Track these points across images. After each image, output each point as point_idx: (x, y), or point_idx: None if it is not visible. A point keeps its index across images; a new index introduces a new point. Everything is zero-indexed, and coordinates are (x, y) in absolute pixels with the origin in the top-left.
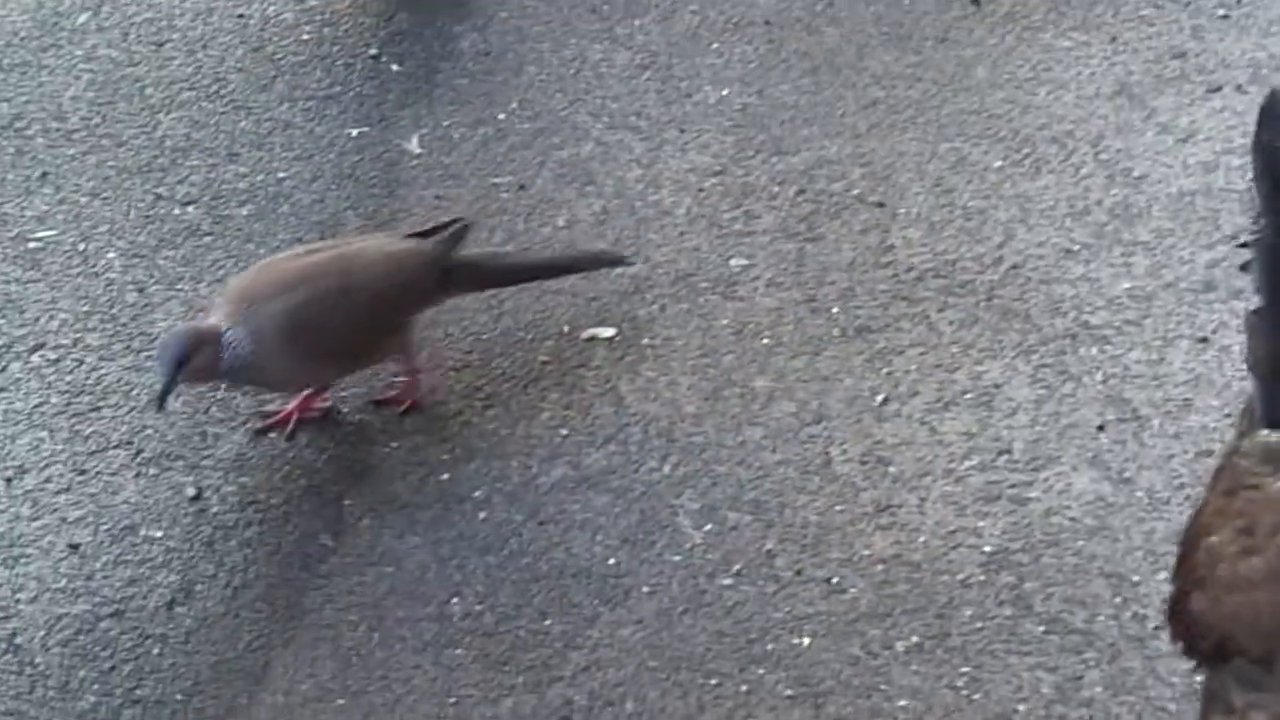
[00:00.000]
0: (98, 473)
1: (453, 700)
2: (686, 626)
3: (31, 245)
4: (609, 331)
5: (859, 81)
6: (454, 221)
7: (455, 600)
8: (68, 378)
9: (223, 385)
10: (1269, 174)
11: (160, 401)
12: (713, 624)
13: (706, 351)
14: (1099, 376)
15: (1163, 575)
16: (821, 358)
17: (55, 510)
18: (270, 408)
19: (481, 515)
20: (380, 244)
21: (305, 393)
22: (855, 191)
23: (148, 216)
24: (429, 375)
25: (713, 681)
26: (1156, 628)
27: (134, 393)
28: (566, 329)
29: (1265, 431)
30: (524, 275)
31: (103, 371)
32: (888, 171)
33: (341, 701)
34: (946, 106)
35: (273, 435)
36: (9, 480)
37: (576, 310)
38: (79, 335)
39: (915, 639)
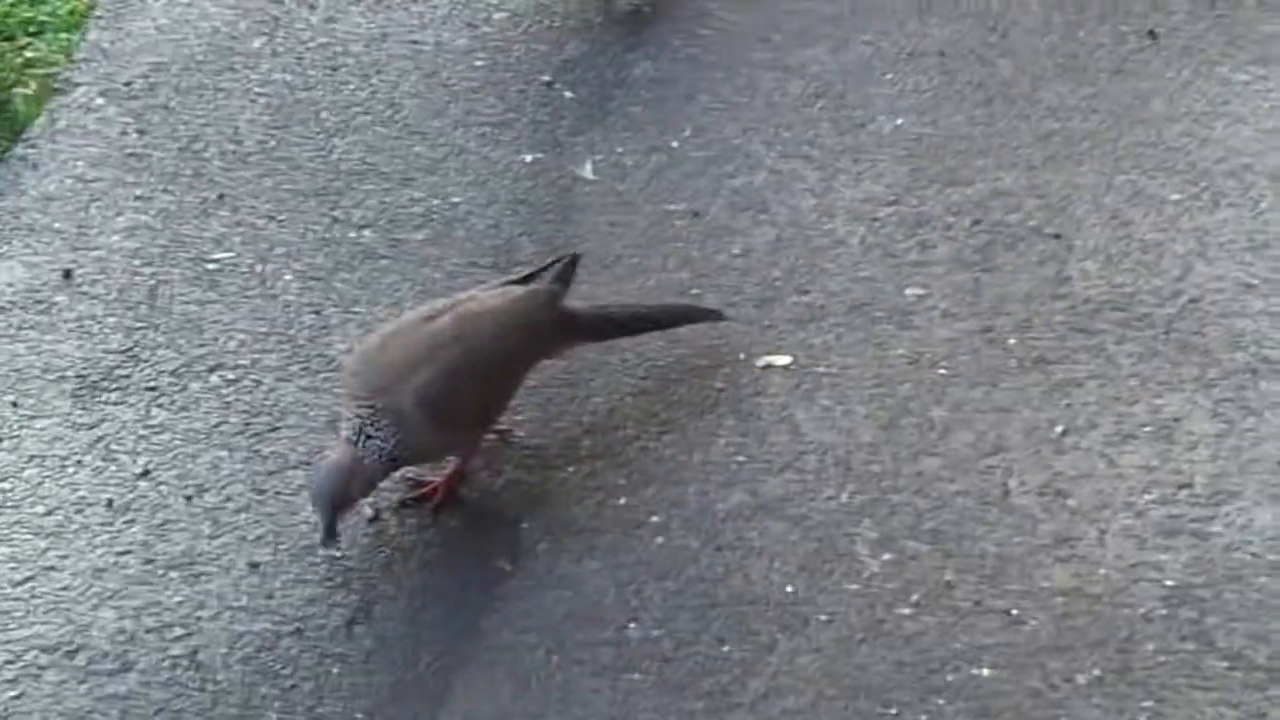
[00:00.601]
0: (277, 492)
1: None
2: (865, 655)
3: (209, 266)
4: (784, 359)
5: (1033, 113)
6: (561, 259)
7: (633, 625)
8: (246, 398)
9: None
10: None
11: (328, 539)
12: (891, 653)
13: (882, 381)
14: None
15: None
16: (999, 389)
17: (235, 529)
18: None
19: (659, 540)
20: (496, 298)
21: (452, 466)
22: (1031, 223)
23: (324, 239)
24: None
25: (892, 711)
26: None
27: (311, 414)
28: (742, 356)
29: None
30: (635, 326)
31: (280, 392)
32: (1064, 203)
33: None
34: (1123, 139)
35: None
36: (189, 498)
37: (752, 338)
38: (257, 356)
39: (1097, 672)
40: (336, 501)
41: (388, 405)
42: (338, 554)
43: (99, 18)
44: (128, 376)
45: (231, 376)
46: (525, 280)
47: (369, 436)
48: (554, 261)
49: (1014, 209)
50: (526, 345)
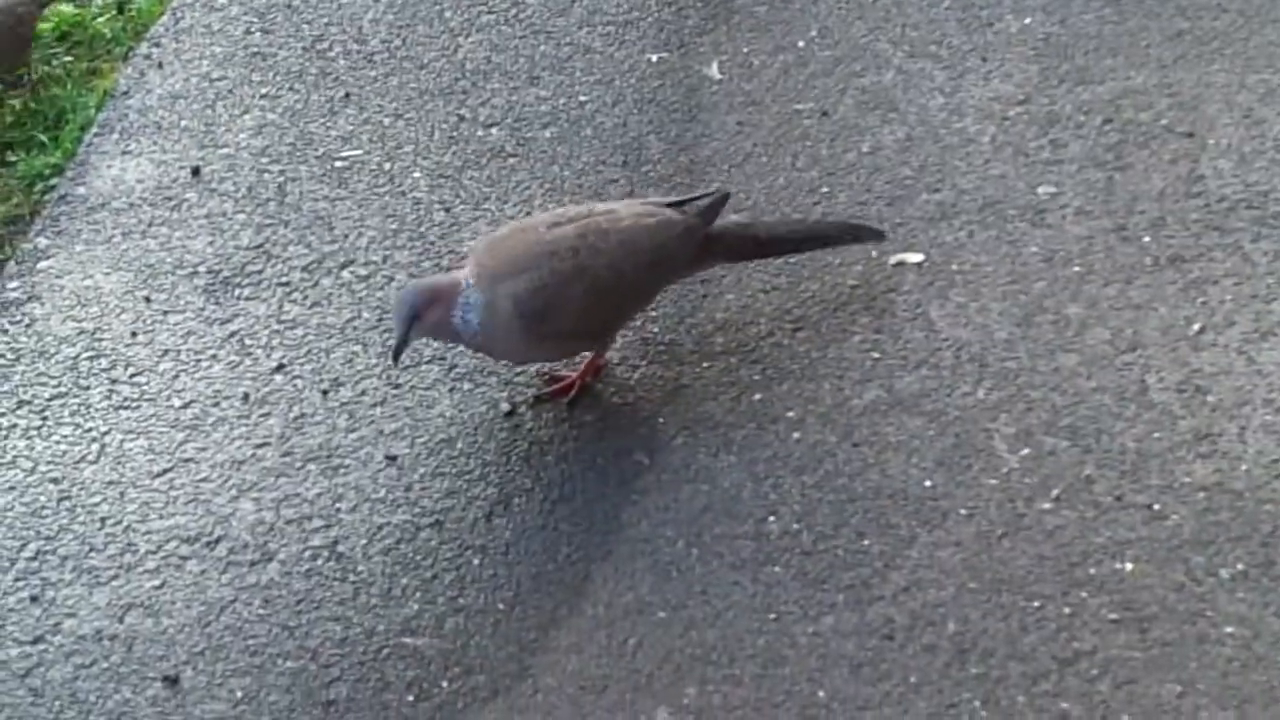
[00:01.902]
0: (412, 387)
1: (773, 616)
2: (1006, 550)
3: (338, 164)
4: (917, 257)
5: (1163, 12)
6: (713, 192)
7: (772, 519)
8: (378, 294)
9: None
10: None
11: (395, 354)
12: (1032, 548)
13: (1016, 278)
14: None
15: None
16: (1134, 286)
17: (372, 422)
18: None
19: (795, 436)
20: (630, 221)
21: (585, 362)
22: (1163, 121)
23: (451, 137)
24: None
25: (1035, 604)
26: None
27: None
28: (874, 254)
29: None
30: (779, 248)
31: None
32: (1195, 102)
33: (662, 614)
34: (1254, 38)
35: (553, 403)
36: (325, 393)
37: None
38: (387, 252)
39: (1240, 566)
40: (412, 315)
41: (487, 297)
42: (395, 370)
43: None
44: (260, 272)
45: (363, 273)
46: (676, 205)
47: (467, 308)
48: (704, 195)
49: (1145, 107)
50: (651, 271)
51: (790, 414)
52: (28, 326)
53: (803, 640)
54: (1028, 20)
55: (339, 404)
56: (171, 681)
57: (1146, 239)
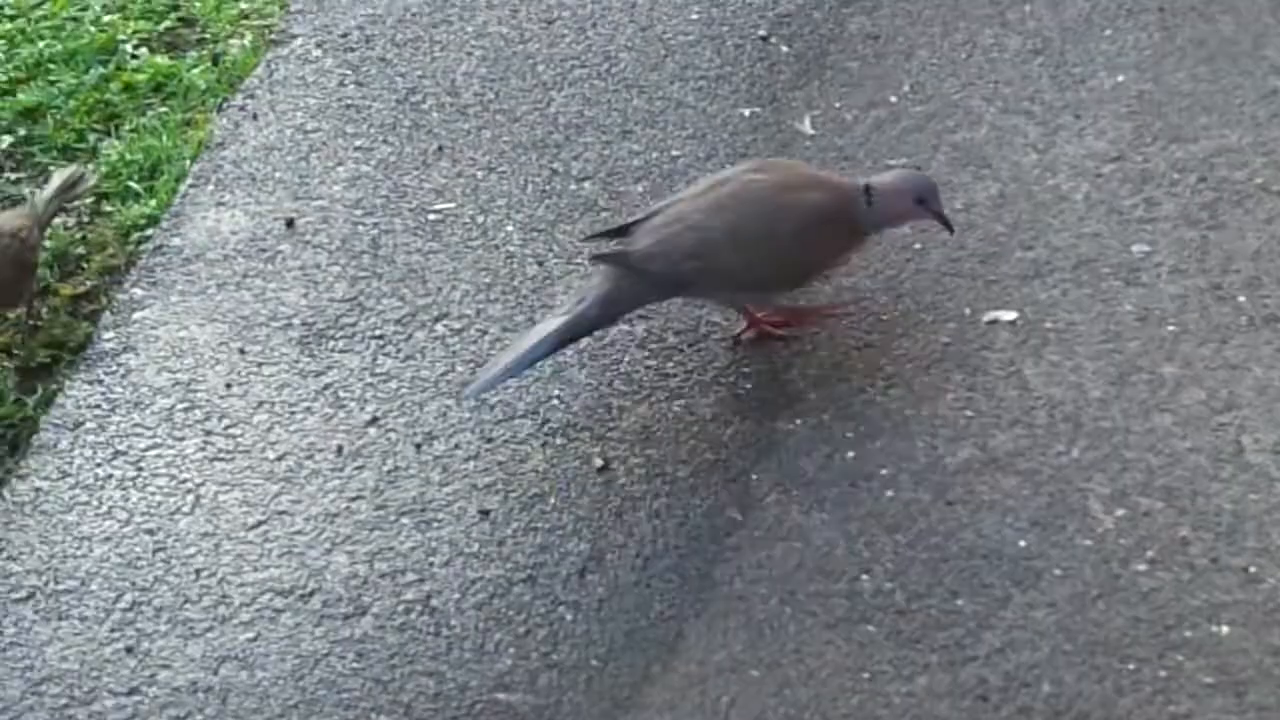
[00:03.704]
0: (505, 441)
1: (866, 676)
2: (1101, 611)
3: (431, 217)
4: (1010, 315)
5: (1256, 70)
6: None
7: (865, 577)
8: (471, 347)
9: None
10: None
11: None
12: (1128, 609)
13: (1110, 337)
14: None
15: None
16: (1229, 346)
17: (465, 476)
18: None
19: (889, 494)
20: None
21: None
22: (1258, 180)
23: (544, 191)
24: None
25: (1130, 667)
26: None
27: (538, 364)
28: (968, 311)
29: None
30: None
31: (506, 342)
32: None
33: (755, 673)
34: None
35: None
36: (418, 446)
37: (976, 293)
38: (481, 306)
39: None
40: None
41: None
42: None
43: None
44: (353, 325)
45: (456, 326)
46: None
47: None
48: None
49: (1240, 166)
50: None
51: (883, 472)
52: (123, 377)
53: (896, 700)
54: (1121, 78)
55: (432, 458)
56: None
57: (1242, 298)
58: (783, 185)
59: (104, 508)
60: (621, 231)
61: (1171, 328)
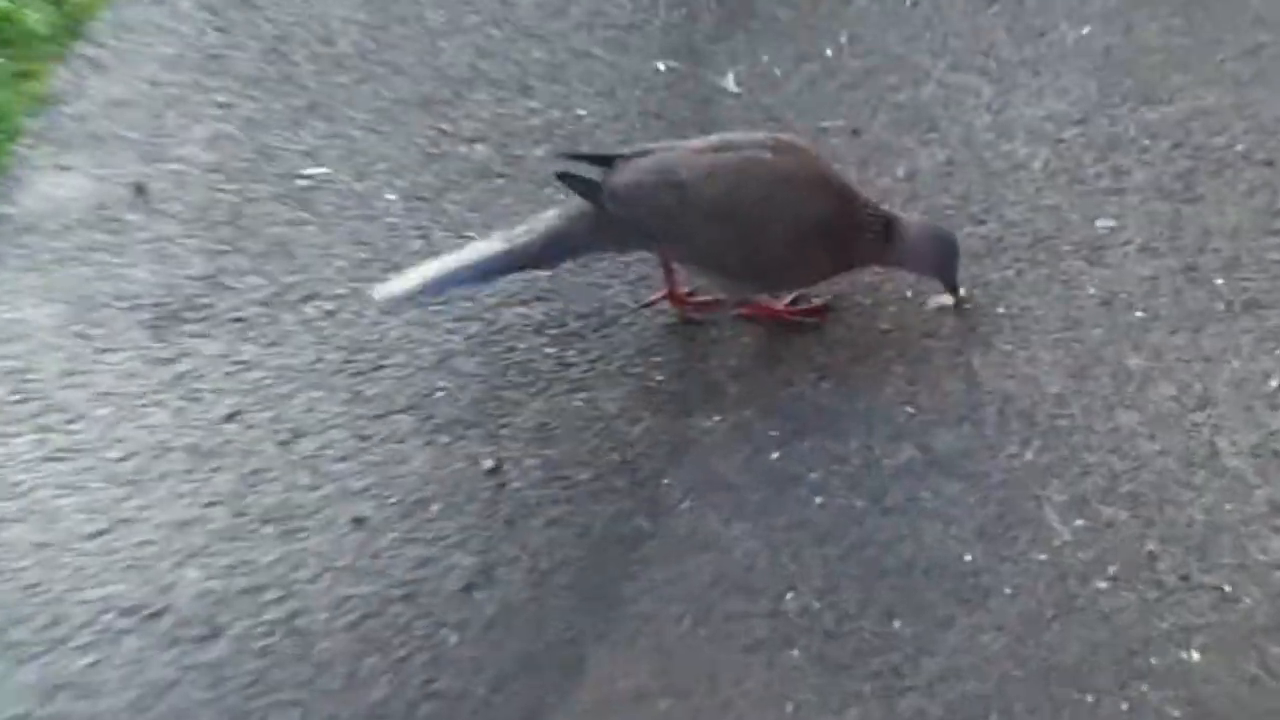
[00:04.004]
0: (383, 439)
1: (791, 707)
2: (1056, 634)
3: (300, 183)
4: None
5: (1239, 22)
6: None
7: (790, 595)
8: (345, 332)
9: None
10: None
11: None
12: (1087, 632)
13: (1070, 324)
14: None
15: None
16: (1204, 335)
17: (336, 479)
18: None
19: (818, 500)
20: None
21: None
22: (1239, 147)
23: (430, 154)
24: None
25: (1089, 698)
26: None
27: (420, 350)
28: (909, 294)
29: None
30: None
31: (385, 326)
32: (1276, 125)
33: (664, 703)
34: None
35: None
36: (284, 444)
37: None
38: (357, 285)
39: None
40: None
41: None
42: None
43: None
44: (211, 306)
45: (329, 307)
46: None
47: None
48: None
49: (1219, 131)
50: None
51: (812, 475)
52: None
53: None
54: (1085, 30)
55: (299, 458)
56: None
57: (1219, 281)
58: (792, 177)
59: None
60: (603, 161)
61: (1140, 314)
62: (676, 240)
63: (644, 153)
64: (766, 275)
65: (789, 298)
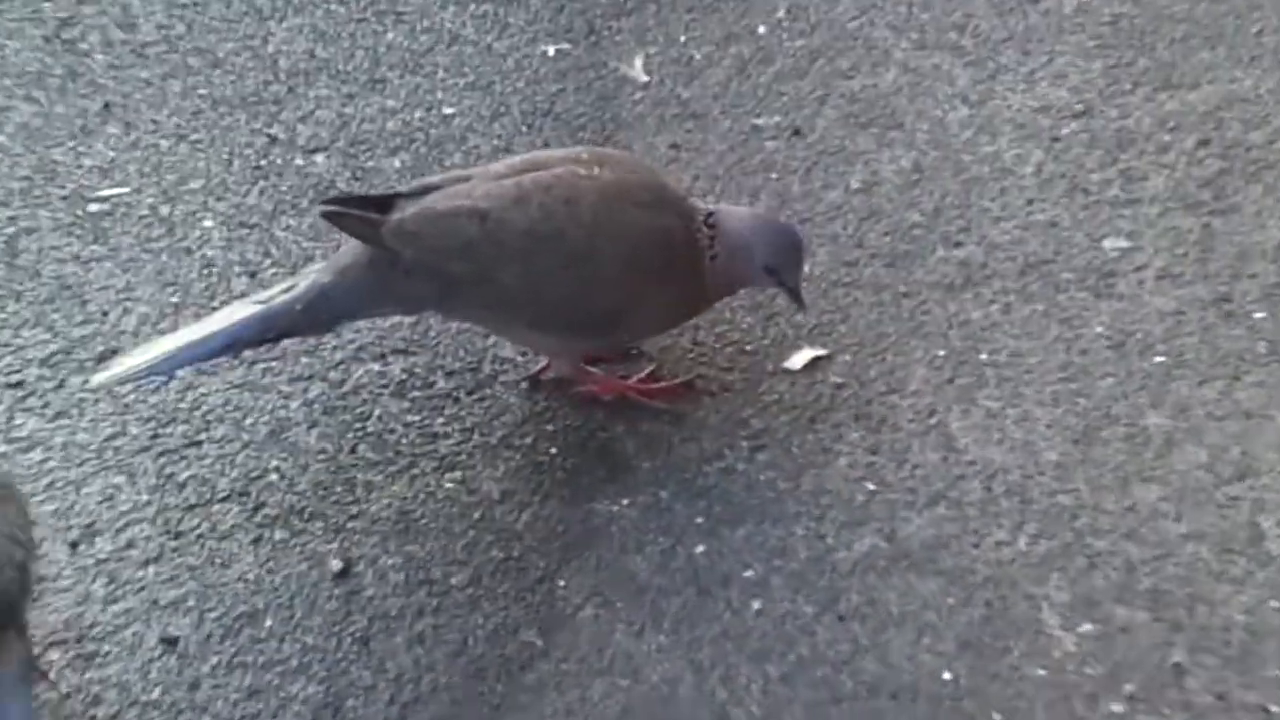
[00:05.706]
0: (200, 536)
1: None
2: None
3: (93, 208)
4: (928, 343)
5: None
6: None
7: None
8: (152, 399)
9: None
10: None
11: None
12: None
13: (1073, 374)
14: None
15: None
16: (1242, 385)
17: (141, 588)
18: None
19: (755, 606)
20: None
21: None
22: None
23: (258, 168)
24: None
25: None
26: None
27: (247, 421)
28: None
29: None
30: None
31: (202, 390)
32: None
33: None
34: None
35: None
36: (74, 545)
37: (880, 311)
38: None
39: None
40: None
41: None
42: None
43: None
44: None
45: None
46: None
47: None
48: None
49: (1257, 124)
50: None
51: (747, 574)
52: None
53: None
54: None
55: (94, 561)
56: None
57: (1259, 315)
58: (620, 191)
59: None
60: (383, 203)
61: (1160, 359)
62: (479, 284)
63: (430, 188)
64: (600, 320)
65: (643, 372)
